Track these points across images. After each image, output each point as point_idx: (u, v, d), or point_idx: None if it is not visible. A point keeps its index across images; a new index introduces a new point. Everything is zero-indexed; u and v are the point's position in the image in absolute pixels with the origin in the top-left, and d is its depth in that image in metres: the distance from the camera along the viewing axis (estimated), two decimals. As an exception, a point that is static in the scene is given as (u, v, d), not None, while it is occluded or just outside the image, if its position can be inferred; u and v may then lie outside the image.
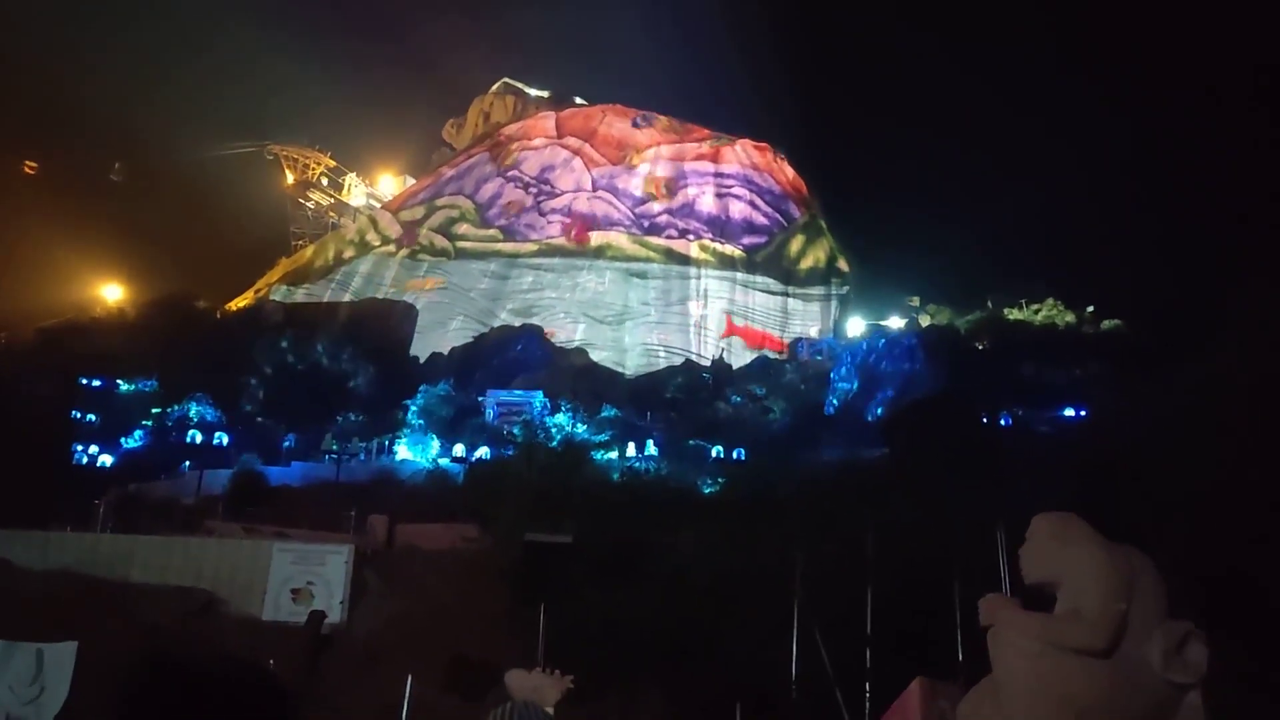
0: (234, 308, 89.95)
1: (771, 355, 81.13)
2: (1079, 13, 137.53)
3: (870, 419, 61.18)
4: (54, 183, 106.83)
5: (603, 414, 62.28)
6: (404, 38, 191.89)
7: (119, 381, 63.76)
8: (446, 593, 33.50)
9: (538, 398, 64.68)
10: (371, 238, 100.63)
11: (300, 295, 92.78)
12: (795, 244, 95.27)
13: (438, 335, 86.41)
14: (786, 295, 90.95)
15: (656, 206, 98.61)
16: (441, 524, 40.63)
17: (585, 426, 59.89)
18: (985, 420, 52.53)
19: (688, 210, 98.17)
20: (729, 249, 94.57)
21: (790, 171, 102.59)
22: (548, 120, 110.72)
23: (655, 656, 25.13)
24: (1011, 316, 79.23)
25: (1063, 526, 5.41)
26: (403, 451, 61.57)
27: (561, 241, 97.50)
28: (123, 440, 61.17)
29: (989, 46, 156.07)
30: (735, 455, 59.51)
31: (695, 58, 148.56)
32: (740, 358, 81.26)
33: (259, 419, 64.17)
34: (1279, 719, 13.19)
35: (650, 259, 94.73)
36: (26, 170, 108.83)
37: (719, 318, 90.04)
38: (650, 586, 27.94)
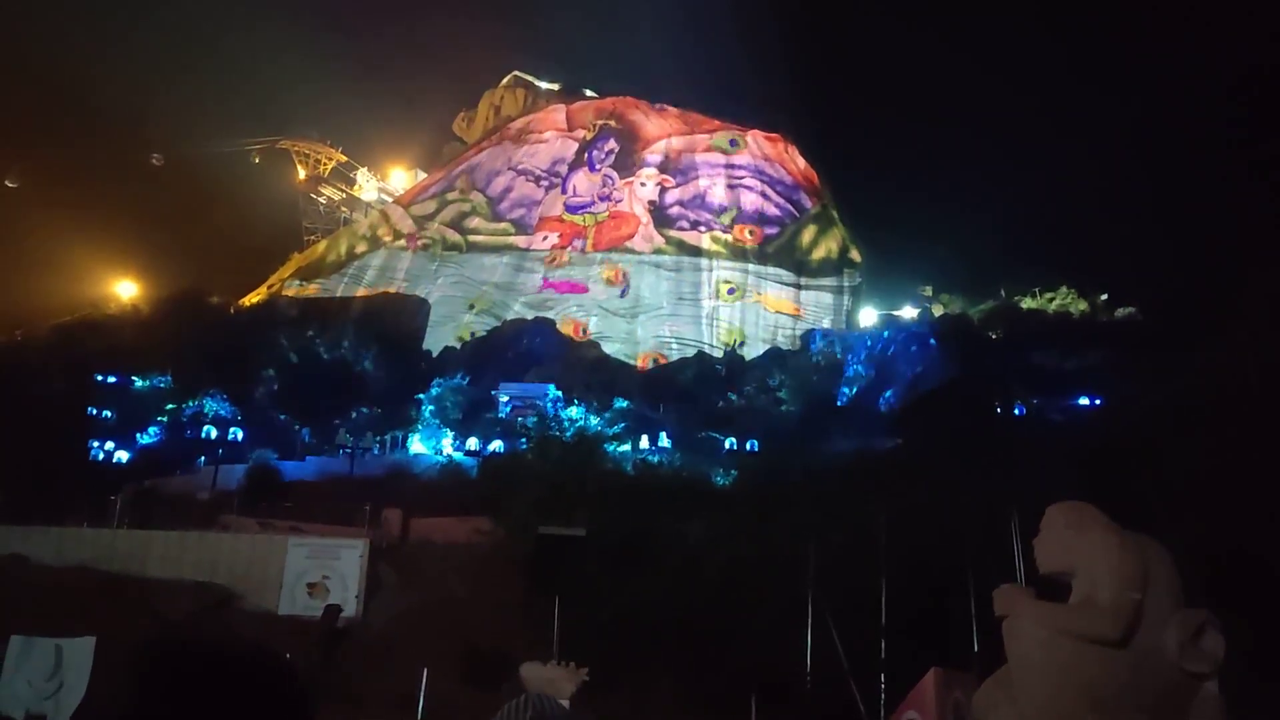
0: (247, 303, 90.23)
1: (784, 347, 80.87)
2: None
3: (883, 409, 61.06)
4: (67, 179, 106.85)
5: (615, 406, 62.29)
6: (414, 32, 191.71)
7: (134, 377, 63.97)
8: (460, 586, 33.65)
9: (550, 390, 64.68)
10: (383, 232, 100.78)
11: (313, 290, 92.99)
12: (807, 235, 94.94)
13: (450, 329, 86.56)
14: (799, 287, 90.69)
15: (668, 198, 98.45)
16: (455, 517, 40.74)
17: (598, 419, 59.88)
18: (998, 409, 52.35)
19: (699, 202, 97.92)
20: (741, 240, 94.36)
21: (801, 162, 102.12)
22: (558, 113, 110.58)
23: (669, 647, 25.16)
24: (1025, 305, 78.93)
25: (1077, 515, 5.39)
26: (416, 445, 61.69)
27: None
28: (138, 436, 61.46)
29: (1001, 33, 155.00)
30: (748, 446, 59.44)
31: (706, 49, 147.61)
32: (753, 348, 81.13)
33: (273, 414, 64.35)
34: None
35: (662, 251, 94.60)
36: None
37: (732, 309, 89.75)
38: (664, 577, 27.96)
